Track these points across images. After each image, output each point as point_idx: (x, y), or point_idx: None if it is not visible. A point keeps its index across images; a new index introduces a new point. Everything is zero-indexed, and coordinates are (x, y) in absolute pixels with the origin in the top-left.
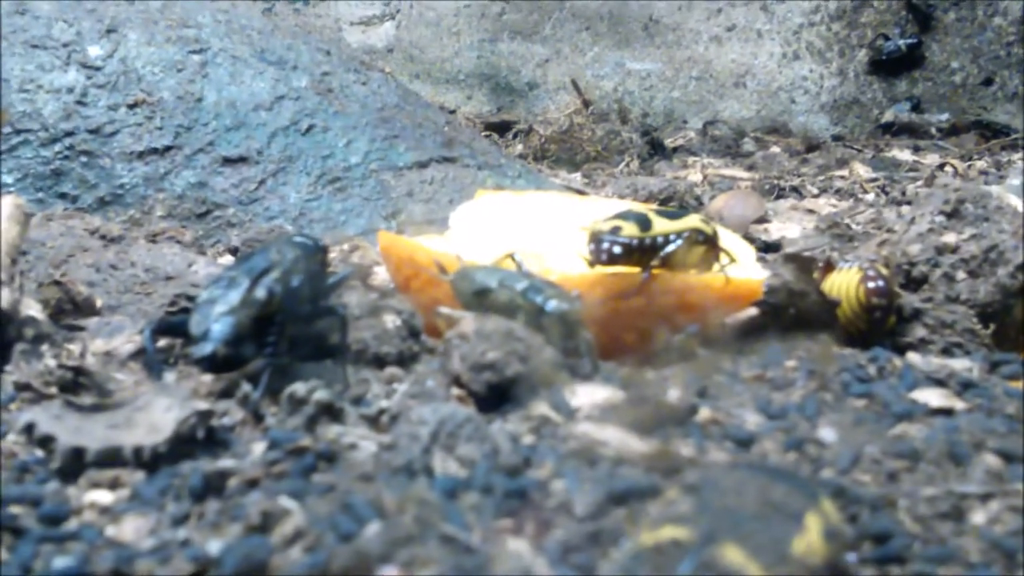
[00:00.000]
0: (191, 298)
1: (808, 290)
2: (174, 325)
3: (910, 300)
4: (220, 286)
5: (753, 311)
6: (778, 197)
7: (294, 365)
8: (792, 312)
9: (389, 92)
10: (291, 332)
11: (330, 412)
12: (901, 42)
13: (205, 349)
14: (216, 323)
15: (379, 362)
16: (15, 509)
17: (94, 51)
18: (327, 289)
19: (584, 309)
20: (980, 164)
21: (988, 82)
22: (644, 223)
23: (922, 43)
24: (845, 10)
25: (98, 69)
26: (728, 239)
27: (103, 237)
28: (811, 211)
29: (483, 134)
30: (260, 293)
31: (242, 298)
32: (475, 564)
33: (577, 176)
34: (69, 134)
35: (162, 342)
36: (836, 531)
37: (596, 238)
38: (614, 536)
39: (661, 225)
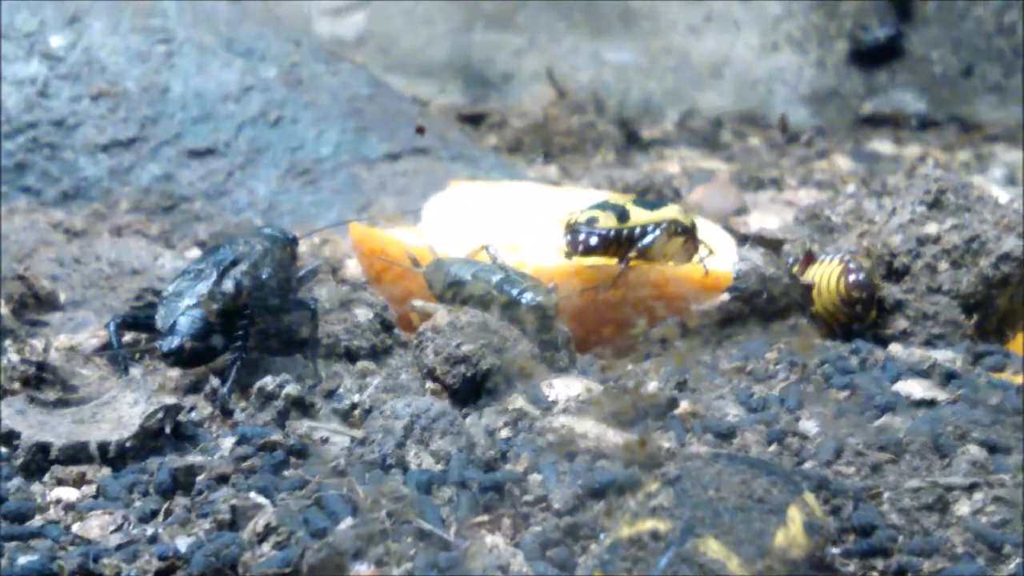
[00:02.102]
0: (157, 292)
1: (779, 273)
2: (140, 319)
3: (892, 291)
4: (187, 279)
5: (724, 297)
6: (757, 189)
7: (264, 359)
8: (765, 297)
9: (360, 83)
10: (260, 325)
11: (301, 406)
12: (880, 32)
13: (172, 343)
14: (183, 316)
15: (351, 356)
16: None
17: (56, 41)
18: (297, 282)
19: (560, 301)
20: (962, 156)
21: (968, 73)
22: (621, 214)
23: (902, 34)
24: (824, 0)
25: (60, 59)
26: (708, 230)
27: (67, 231)
28: (791, 203)
29: (457, 126)
30: (228, 285)
31: (209, 291)
32: (451, 560)
33: (552, 168)
34: (31, 126)
35: (128, 336)
36: (818, 524)
37: (572, 229)
38: (592, 530)
39: (639, 216)
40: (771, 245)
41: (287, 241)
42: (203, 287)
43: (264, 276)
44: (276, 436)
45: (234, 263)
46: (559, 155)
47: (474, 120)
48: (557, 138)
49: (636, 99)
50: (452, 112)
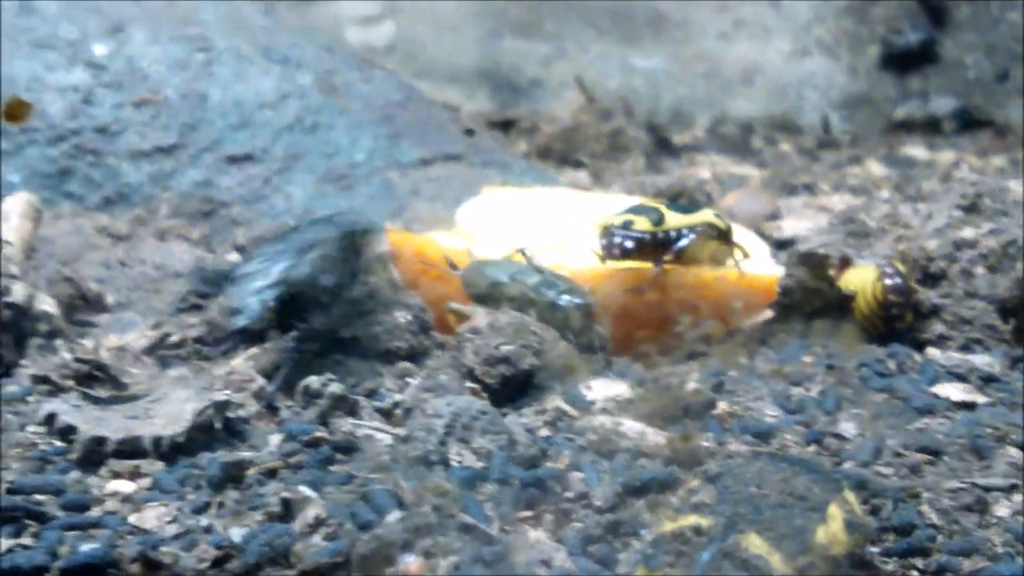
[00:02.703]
0: (201, 295)
1: (823, 287)
2: (219, 275)
3: (928, 296)
4: (262, 259)
5: (769, 313)
6: (790, 194)
7: (312, 359)
8: (811, 310)
9: (392, 89)
10: (319, 323)
11: (344, 405)
12: (913, 37)
13: (239, 322)
14: (251, 297)
15: (390, 356)
16: (38, 497)
17: (99, 50)
18: (367, 271)
19: (597, 304)
20: (996, 161)
21: (1003, 78)
22: (656, 217)
23: (934, 39)
24: (855, 5)
25: (104, 68)
26: (741, 234)
27: (112, 235)
28: (824, 208)
29: (487, 132)
30: (299, 271)
31: (281, 275)
32: (495, 553)
33: (583, 173)
34: (75, 133)
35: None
36: (859, 522)
37: (608, 232)
38: (634, 527)
39: (673, 219)
40: (816, 262)
41: (365, 231)
42: (276, 270)
43: (334, 264)
44: (321, 433)
45: (309, 248)
46: (590, 161)
47: (504, 126)
48: (587, 144)
49: (666, 105)
50: (482, 118)
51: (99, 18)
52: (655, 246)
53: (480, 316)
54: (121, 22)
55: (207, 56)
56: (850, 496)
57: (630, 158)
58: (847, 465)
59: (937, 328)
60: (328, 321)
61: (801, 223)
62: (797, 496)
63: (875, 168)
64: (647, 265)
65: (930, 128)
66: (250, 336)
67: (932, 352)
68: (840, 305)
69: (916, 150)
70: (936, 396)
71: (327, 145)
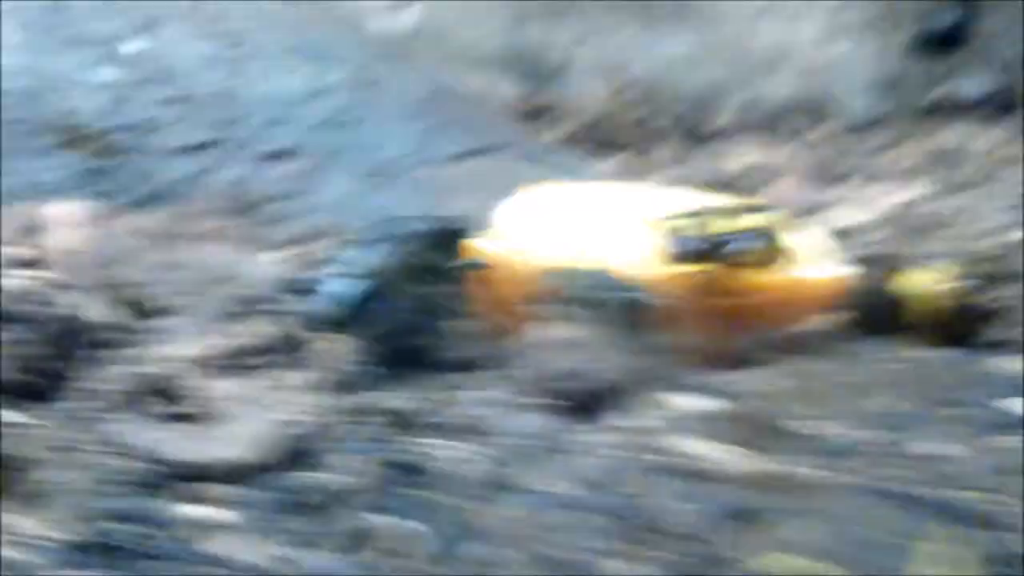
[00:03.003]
0: (245, 300)
1: (883, 291)
2: (305, 282)
3: (982, 299)
4: (351, 247)
5: (828, 315)
6: (828, 184)
7: (377, 371)
8: (868, 315)
9: (426, 84)
10: (389, 326)
11: (410, 422)
12: (946, 18)
13: (316, 305)
14: (329, 283)
15: (453, 369)
16: (103, 524)
17: (131, 47)
18: (448, 274)
19: (659, 310)
20: None
21: None
22: (710, 220)
23: (968, 20)
24: None
25: (136, 65)
26: (801, 235)
27: (150, 236)
28: (864, 199)
29: (518, 122)
30: (372, 259)
31: (358, 261)
32: None
33: (613, 162)
34: (108, 131)
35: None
36: (949, 555)
37: (661, 237)
38: (718, 557)
39: (728, 223)
40: (874, 263)
41: (447, 231)
42: (353, 257)
43: (409, 258)
44: (387, 453)
45: (385, 240)
46: (620, 148)
47: (531, 114)
48: (617, 131)
49: (694, 91)
50: (510, 107)
51: (130, 15)
52: (710, 250)
53: (544, 326)
54: (153, 18)
55: (240, 52)
56: (938, 527)
57: (661, 145)
58: (928, 489)
59: (993, 332)
60: (397, 326)
61: (843, 215)
62: (884, 529)
63: (910, 153)
64: (703, 269)
65: (963, 111)
66: (329, 320)
67: (995, 360)
68: (900, 308)
69: (950, 134)
70: (1007, 411)
71: (362, 141)
